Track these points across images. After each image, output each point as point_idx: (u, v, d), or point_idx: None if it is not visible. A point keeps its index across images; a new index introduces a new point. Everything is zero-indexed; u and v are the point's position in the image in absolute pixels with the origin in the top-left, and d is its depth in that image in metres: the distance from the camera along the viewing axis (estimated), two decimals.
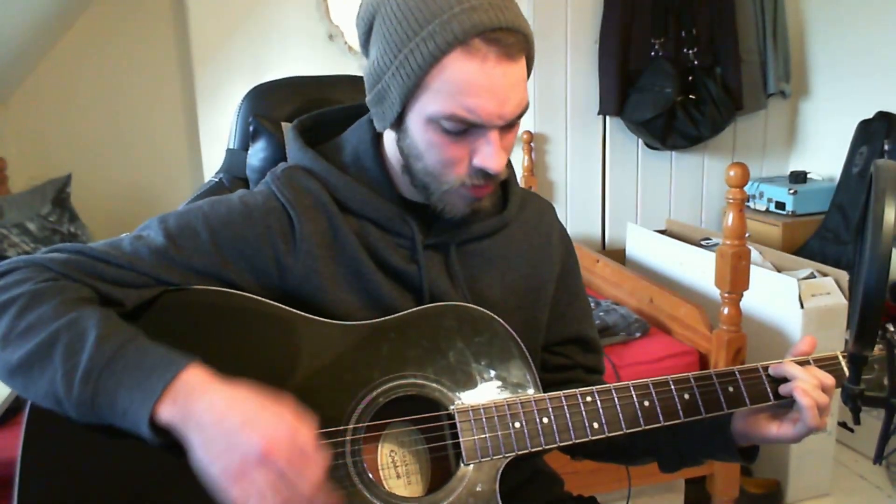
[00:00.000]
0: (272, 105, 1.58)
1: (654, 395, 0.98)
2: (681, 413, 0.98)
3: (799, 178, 3.30)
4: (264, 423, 0.77)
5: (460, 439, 0.91)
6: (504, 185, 1.11)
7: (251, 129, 1.63)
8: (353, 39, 3.06)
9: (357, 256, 0.98)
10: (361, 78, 1.37)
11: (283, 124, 1.60)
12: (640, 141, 3.45)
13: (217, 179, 1.71)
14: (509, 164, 1.12)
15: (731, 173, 1.93)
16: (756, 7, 3.29)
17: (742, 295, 2.01)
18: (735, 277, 1.98)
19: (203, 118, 2.99)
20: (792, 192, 3.20)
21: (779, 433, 0.99)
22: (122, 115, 3.05)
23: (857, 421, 1.00)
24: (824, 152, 3.43)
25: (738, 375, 1.01)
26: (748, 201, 3.24)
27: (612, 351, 2.15)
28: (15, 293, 0.84)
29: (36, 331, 0.81)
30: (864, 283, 0.83)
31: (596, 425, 0.95)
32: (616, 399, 0.96)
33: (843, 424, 2.49)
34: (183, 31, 2.99)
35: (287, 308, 0.94)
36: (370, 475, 0.88)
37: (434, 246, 1.02)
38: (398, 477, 0.94)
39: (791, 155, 3.65)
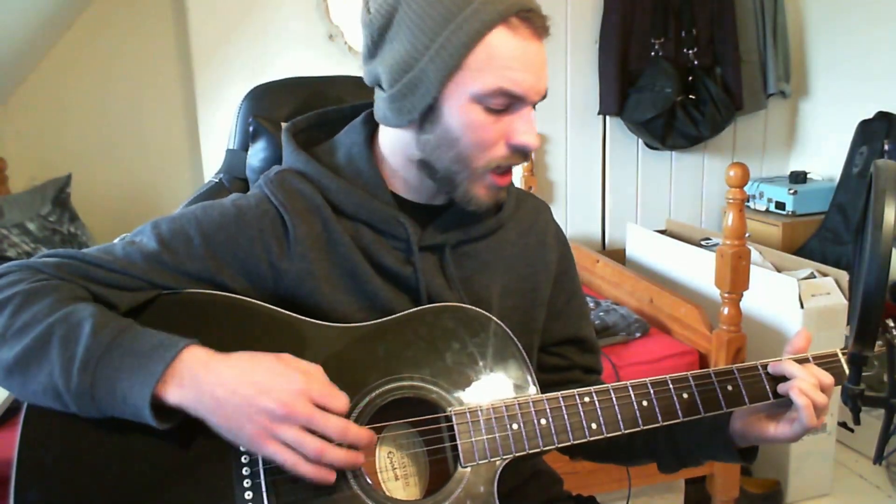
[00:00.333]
0: (272, 105, 1.58)
1: (652, 395, 0.97)
2: (679, 413, 0.98)
3: (799, 178, 3.30)
4: (278, 385, 0.81)
5: (458, 441, 0.91)
6: None
7: (251, 129, 1.63)
8: (353, 39, 3.06)
9: (352, 258, 0.97)
10: (362, 78, 1.37)
11: (283, 125, 1.60)
12: (640, 141, 3.45)
13: (217, 180, 1.71)
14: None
15: (731, 173, 1.93)
16: (756, 7, 3.29)
17: (742, 295, 2.01)
18: (735, 277, 1.98)
19: (203, 118, 2.99)
20: (792, 192, 3.20)
21: (776, 433, 0.99)
22: (122, 116, 3.04)
23: (857, 421, 1.00)
24: (824, 152, 3.43)
25: (736, 374, 1.01)
26: (748, 201, 3.24)
27: (611, 351, 2.15)
28: (9, 293, 0.84)
29: (31, 328, 0.81)
30: (864, 283, 0.83)
31: (594, 426, 0.95)
32: (614, 399, 0.96)
33: (843, 424, 2.49)
34: (183, 31, 2.99)
35: (282, 311, 0.94)
36: (367, 478, 0.88)
37: (429, 248, 1.02)
38: (396, 479, 0.94)
39: (791, 155, 3.66)
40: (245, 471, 0.85)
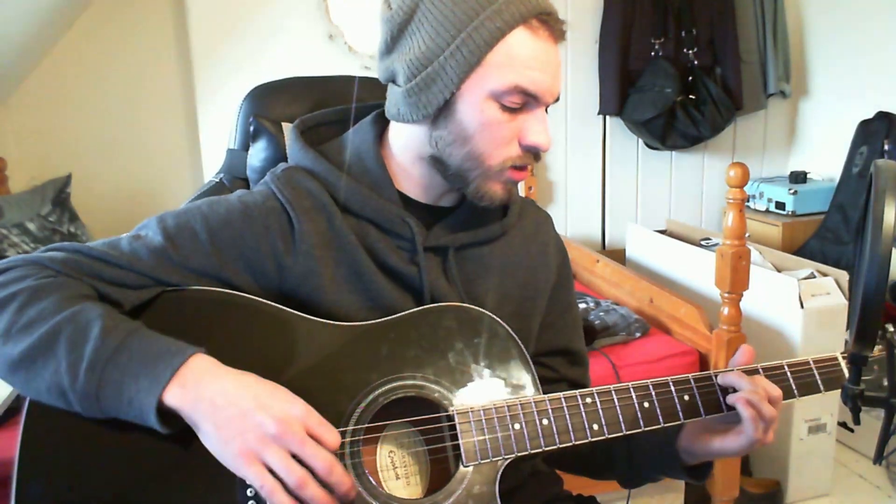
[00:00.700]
0: (273, 105, 1.58)
1: (653, 396, 0.97)
2: (681, 414, 0.98)
3: (799, 178, 3.30)
4: (277, 405, 0.80)
5: (460, 441, 0.91)
6: None
7: (251, 129, 1.63)
8: (353, 39, 3.06)
9: (357, 257, 0.97)
10: (362, 78, 1.38)
11: (284, 124, 1.60)
12: (640, 141, 3.45)
13: (217, 179, 1.71)
14: None
15: (731, 173, 1.93)
16: (756, 7, 3.29)
17: (742, 295, 2.01)
18: (735, 277, 1.98)
19: (203, 118, 2.99)
20: (792, 192, 3.20)
21: (721, 445, 0.98)
22: (122, 115, 3.04)
23: (856, 421, 1.00)
24: (824, 152, 3.43)
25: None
26: (748, 201, 3.24)
27: (612, 351, 2.15)
28: (15, 289, 0.84)
29: (38, 325, 0.81)
30: (864, 283, 0.83)
31: (596, 427, 0.95)
32: (616, 400, 0.96)
33: (843, 424, 2.49)
34: (183, 31, 2.99)
35: (286, 309, 0.94)
36: (370, 477, 0.88)
37: (433, 248, 1.02)
38: (397, 478, 0.94)
39: (791, 155, 3.66)
40: None
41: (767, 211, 3.31)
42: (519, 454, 0.92)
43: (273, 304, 0.94)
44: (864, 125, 3.05)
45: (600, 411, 0.95)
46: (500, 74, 0.90)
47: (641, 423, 0.96)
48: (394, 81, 0.98)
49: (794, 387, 1.02)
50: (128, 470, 0.83)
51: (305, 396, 0.89)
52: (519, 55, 0.90)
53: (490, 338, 0.99)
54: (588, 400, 0.95)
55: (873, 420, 2.26)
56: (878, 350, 1.00)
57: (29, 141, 2.96)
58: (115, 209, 3.01)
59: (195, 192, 1.71)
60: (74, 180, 2.80)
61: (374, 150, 1.02)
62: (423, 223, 1.02)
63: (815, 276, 2.40)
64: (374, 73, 1.07)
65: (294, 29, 3.01)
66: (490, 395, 0.96)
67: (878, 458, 1.01)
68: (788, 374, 1.02)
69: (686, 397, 0.98)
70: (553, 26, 0.92)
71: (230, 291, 0.94)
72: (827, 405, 2.32)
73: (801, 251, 3.06)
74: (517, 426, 0.93)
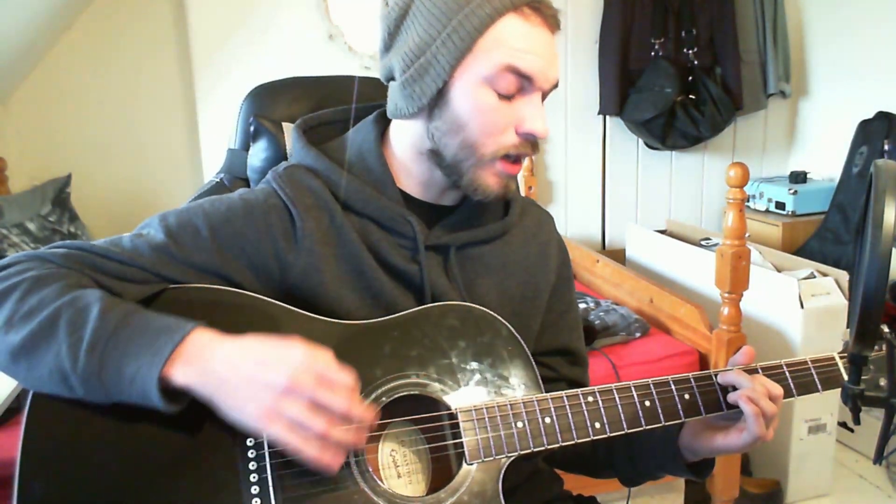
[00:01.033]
0: (273, 105, 1.58)
1: (654, 395, 0.98)
2: (681, 413, 0.98)
3: (799, 178, 3.31)
4: (281, 360, 0.80)
5: (463, 439, 0.91)
6: None
7: (252, 129, 1.63)
8: (353, 39, 3.06)
9: (358, 255, 0.98)
10: (362, 78, 1.38)
11: (284, 125, 1.60)
12: (640, 141, 3.45)
13: (217, 179, 1.71)
14: None
15: (731, 173, 1.93)
16: (756, 7, 3.30)
17: (742, 295, 2.01)
18: (735, 277, 1.98)
19: (203, 118, 2.99)
20: (792, 192, 3.20)
21: (725, 442, 0.99)
22: (122, 115, 3.04)
23: (856, 421, 1.00)
24: (824, 152, 3.43)
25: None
26: (748, 201, 3.25)
27: (611, 351, 2.15)
28: (17, 280, 0.85)
29: (38, 312, 0.81)
30: (864, 283, 0.83)
31: (598, 425, 0.95)
32: (617, 399, 0.97)
33: (843, 424, 2.49)
34: (183, 31, 2.99)
35: (288, 306, 0.95)
36: (372, 475, 0.88)
37: (434, 247, 1.02)
38: (399, 477, 0.94)
39: (791, 155, 3.66)
40: (252, 465, 0.85)
41: (767, 211, 3.31)
42: (522, 452, 0.92)
43: (275, 301, 0.94)
44: (864, 125, 3.06)
45: (602, 410, 0.96)
46: (491, 57, 0.91)
47: (643, 421, 0.97)
48: (393, 78, 0.99)
49: (792, 386, 1.02)
50: (130, 468, 0.83)
51: None
52: (510, 38, 0.91)
53: (492, 337, 0.99)
54: (590, 399, 0.96)
55: (873, 420, 2.26)
56: (875, 352, 1.00)
57: (29, 141, 2.96)
58: (115, 209, 3.01)
59: (195, 192, 1.71)
60: (74, 180, 2.80)
61: (376, 148, 1.02)
62: (424, 222, 1.02)
63: (815, 276, 2.40)
64: (374, 73, 1.07)
65: (294, 29, 3.01)
66: (492, 393, 0.96)
67: (878, 458, 1.01)
68: (787, 373, 1.03)
69: (687, 396, 0.99)
70: (545, 13, 0.93)
71: (232, 289, 0.94)
72: (827, 405, 2.32)
73: (801, 251, 3.06)
74: (520, 424, 0.93)
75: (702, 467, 1.07)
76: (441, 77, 0.92)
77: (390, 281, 1.00)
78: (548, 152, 3.41)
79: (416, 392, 0.93)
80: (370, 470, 0.88)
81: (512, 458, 0.93)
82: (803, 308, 2.25)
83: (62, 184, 2.74)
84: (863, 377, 0.98)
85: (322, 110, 1.13)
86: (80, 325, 0.80)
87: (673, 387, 0.99)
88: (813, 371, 1.04)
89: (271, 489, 0.85)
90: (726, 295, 2.01)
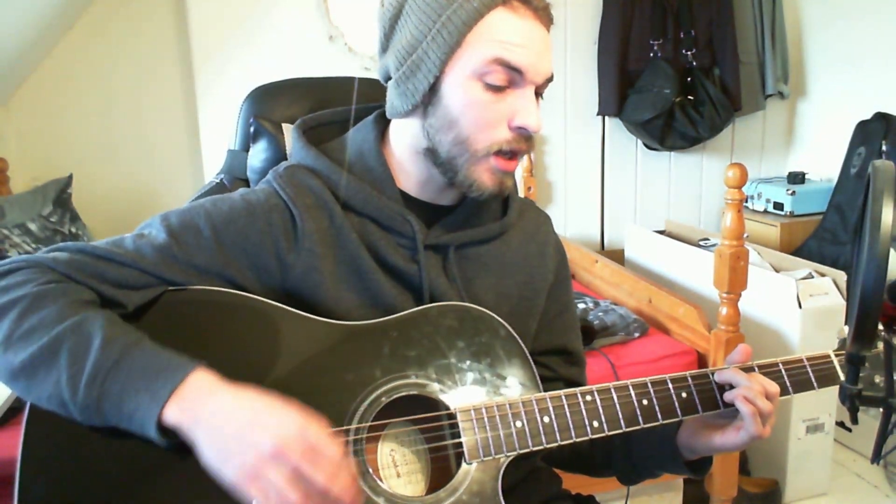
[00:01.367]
0: (273, 106, 1.59)
1: (652, 393, 0.98)
2: (679, 412, 0.99)
3: (797, 178, 3.31)
4: (274, 422, 0.78)
5: (462, 438, 0.92)
6: None
7: (252, 130, 1.63)
8: (353, 40, 3.06)
9: (357, 254, 0.98)
10: (362, 79, 1.38)
11: (284, 125, 1.60)
12: (639, 141, 3.46)
13: (218, 180, 1.72)
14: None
15: (730, 174, 1.93)
16: (754, 9, 3.30)
17: (740, 295, 2.01)
18: (733, 278, 1.98)
19: (203, 118, 3.00)
20: (790, 192, 3.20)
21: (723, 441, 0.99)
22: (123, 116, 3.05)
23: (854, 421, 1.00)
24: (822, 153, 3.43)
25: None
26: (746, 202, 3.24)
27: (610, 351, 2.15)
28: (17, 295, 0.84)
29: (39, 333, 0.81)
30: (862, 283, 0.83)
31: (596, 424, 0.96)
32: (615, 398, 0.97)
33: (840, 424, 2.50)
34: (183, 32, 2.99)
35: (288, 308, 0.95)
36: (372, 475, 0.89)
37: (433, 247, 1.03)
38: (398, 476, 0.95)
39: (789, 155, 3.66)
40: None
41: (766, 211, 3.31)
42: (521, 451, 0.93)
43: (275, 303, 0.95)
44: (862, 126, 3.06)
45: (600, 409, 0.96)
46: (480, 51, 0.91)
47: (640, 420, 0.97)
48: (390, 78, 0.99)
49: (788, 384, 1.03)
50: (131, 468, 0.84)
51: (309, 395, 0.90)
52: (499, 32, 0.91)
53: (491, 337, 0.99)
54: (588, 398, 0.96)
55: (871, 420, 2.26)
56: (872, 350, 1.01)
57: (30, 141, 2.96)
58: (116, 209, 3.01)
59: (195, 192, 1.72)
60: (75, 181, 2.80)
61: (376, 148, 1.02)
62: (423, 221, 1.02)
63: (813, 277, 2.41)
64: (374, 74, 1.08)
65: (294, 30, 3.01)
66: (491, 393, 0.96)
67: (876, 457, 1.01)
68: (783, 371, 1.03)
69: (684, 395, 0.99)
70: (536, 6, 0.92)
71: (232, 291, 0.95)
72: (825, 405, 2.33)
73: (799, 251, 3.07)
74: (518, 424, 0.93)
75: (700, 465, 1.08)
76: (432, 73, 0.93)
77: (389, 281, 1.00)
78: (547, 153, 3.41)
79: (416, 392, 0.94)
80: (370, 470, 0.89)
81: (511, 458, 0.93)
82: (801, 308, 2.26)
83: (63, 184, 2.74)
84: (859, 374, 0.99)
85: (322, 111, 1.14)
86: (82, 356, 0.79)
87: (670, 385, 0.99)
88: (809, 369, 1.04)
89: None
90: (725, 295, 2.01)
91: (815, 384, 1.04)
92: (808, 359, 1.05)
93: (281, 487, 0.76)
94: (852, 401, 0.97)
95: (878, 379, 1.00)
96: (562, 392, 0.96)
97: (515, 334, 1.01)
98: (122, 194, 3.07)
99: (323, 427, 0.81)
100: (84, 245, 0.92)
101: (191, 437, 0.79)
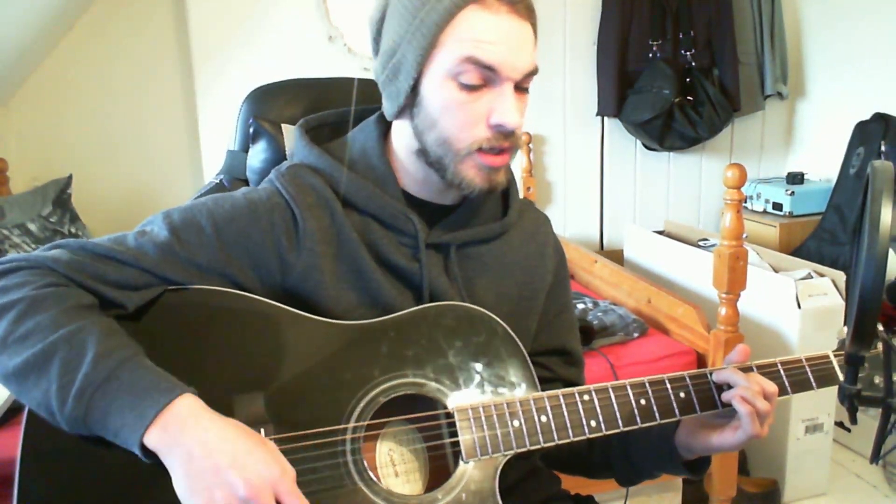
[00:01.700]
0: (272, 107, 1.59)
1: (650, 393, 0.98)
2: (677, 411, 0.99)
3: (796, 179, 3.31)
4: (252, 466, 0.78)
5: (459, 437, 0.92)
6: (504, 191, 1.12)
7: (251, 130, 1.63)
8: (353, 41, 3.06)
9: (358, 254, 0.98)
10: (362, 79, 1.39)
11: (284, 126, 1.60)
12: (638, 142, 3.46)
13: (217, 181, 1.72)
14: (509, 172, 1.13)
15: (729, 174, 1.93)
16: (754, 9, 3.31)
17: (739, 295, 2.02)
18: (732, 278, 1.98)
19: (203, 118, 3.00)
20: (789, 192, 3.21)
21: (720, 440, 0.99)
22: (123, 116, 3.05)
23: (853, 420, 1.01)
24: (821, 153, 3.44)
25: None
26: (745, 202, 3.25)
27: (610, 351, 2.15)
28: (14, 297, 0.83)
29: (33, 339, 0.81)
30: (861, 283, 0.83)
31: (593, 423, 0.96)
32: (613, 398, 0.97)
33: (840, 424, 2.50)
34: (183, 32, 2.99)
35: (287, 308, 0.95)
36: (370, 473, 0.89)
37: (435, 246, 1.03)
38: (396, 476, 0.95)
39: (788, 156, 3.67)
40: None
41: (765, 212, 3.32)
42: (518, 450, 0.93)
43: (274, 303, 0.95)
44: (861, 126, 3.07)
45: (598, 408, 0.96)
46: (452, 50, 0.90)
47: (638, 419, 0.97)
48: None
49: (787, 384, 1.03)
50: (130, 469, 0.83)
51: (307, 394, 0.90)
52: (471, 30, 0.90)
53: (489, 337, 0.99)
54: (586, 397, 0.96)
55: (870, 420, 2.26)
56: (871, 350, 1.01)
57: (30, 142, 2.96)
58: (115, 210, 3.01)
59: (195, 192, 1.72)
60: (75, 181, 2.80)
61: (379, 147, 1.02)
62: (425, 221, 1.02)
63: (812, 277, 2.41)
64: (373, 75, 1.08)
65: (294, 30, 3.01)
66: (489, 392, 0.96)
67: (875, 457, 1.02)
68: (782, 371, 1.03)
69: (682, 394, 0.99)
70: (512, 0, 0.91)
71: (231, 291, 0.95)
72: (824, 405, 2.33)
73: (799, 252, 3.07)
74: (516, 423, 0.94)
75: (698, 465, 1.08)
76: (411, 75, 0.93)
77: (389, 280, 1.00)
78: (546, 153, 3.42)
79: (414, 391, 0.94)
80: (367, 469, 0.89)
81: (508, 457, 0.93)
82: (800, 308, 2.26)
83: (63, 184, 2.74)
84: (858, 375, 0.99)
85: (324, 111, 1.14)
86: (73, 368, 0.79)
87: (668, 385, 1.00)
88: (808, 369, 1.04)
89: None
90: (724, 295, 2.01)
91: (814, 384, 1.04)
92: (807, 359, 1.05)
93: None
94: (851, 401, 0.98)
95: (877, 379, 1.00)
96: (559, 391, 0.96)
97: (513, 334, 1.01)
98: (121, 195, 3.08)
99: (293, 477, 0.81)
100: (85, 242, 0.91)
101: (167, 461, 0.79)
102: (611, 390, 0.97)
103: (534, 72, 0.94)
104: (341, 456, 0.89)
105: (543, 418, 0.94)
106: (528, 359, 1.01)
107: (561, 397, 0.96)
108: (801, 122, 3.58)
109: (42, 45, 2.84)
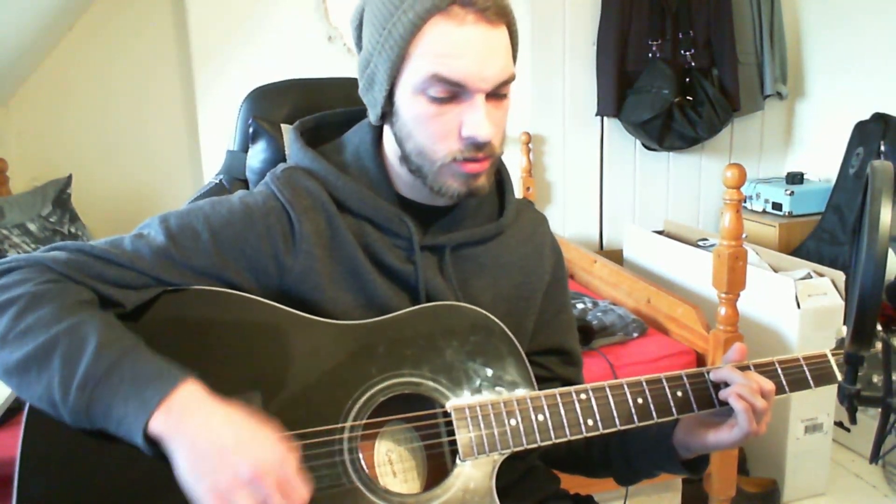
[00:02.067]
0: (272, 107, 1.60)
1: (647, 392, 0.98)
2: (674, 410, 0.99)
3: (795, 178, 3.32)
4: (257, 447, 0.79)
5: (457, 436, 0.92)
6: (501, 192, 1.12)
7: (251, 130, 1.64)
8: (352, 41, 3.06)
9: (354, 256, 0.98)
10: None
11: (283, 126, 1.61)
12: (638, 142, 3.46)
13: (217, 181, 1.72)
14: (505, 172, 1.13)
15: (728, 174, 1.93)
16: (753, 9, 3.31)
17: (739, 295, 2.02)
18: (732, 278, 1.98)
19: (203, 118, 3.00)
20: (788, 192, 3.21)
21: (716, 438, 0.99)
22: (123, 116, 3.05)
23: (853, 420, 1.01)
24: (821, 153, 3.44)
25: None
26: (745, 202, 3.24)
27: (609, 351, 2.15)
28: (14, 293, 0.84)
29: (35, 333, 0.81)
30: (861, 283, 0.83)
31: (590, 422, 0.96)
32: (610, 396, 0.97)
33: (839, 424, 2.50)
34: (183, 32, 3.00)
35: (284, 308, 0.95)
36: (367, 472, 0.89)
37: (430, 248, 1.03)
38: (394, 475, 0.95)
39: (788, 156, 3.67)
40: None
41: (764, 212, 3.32)
42: (515, 449, 0.93)
43: (271, 303, 0.95)
44: (861, 126, 3.07)
45: (595, 407, 0.96)
46: (419, 66, 0.89)
47: (635, 418, 0.97)
48: None
49: (784, 383, 1.03)
50: (129, 469, 0.84)
51: (304, 394, 0.90)
52: (435, 44, 0.88)
53: (486, 336, 1.00)
54: (583, 396, 0.96)
55: (869, 419, 2.26)
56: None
57: (30, 142, 2.96)
58: (115, 210, 3.02)
59: (195, 192, 1.72)
60: (75, 181, 2.80)
61: (373, 150, 1.03)
62: (420, 223, 1.03)
63: (811, 277, 2.41)
64: None
65: (293, 30, 3.01)
66: (486, 391, 0.97)
67: (875, 457, 1.02)
68: (779, 370, 1.03)
69: (679, 393, 1.00)
70: (480, 6, 0.88)
71: (230, 291, 0.95)
72: (823, 405, 2.33)
73: (798, 252, 3.07)
74: (513, 422, 0.94)
75: (697, 464, 1.08)
76: (383, 86, 0.93)
77: (385, 282, 1.00)
78: (545, 153, 3.42)
79: (411, 391, 0.94)
80: (364, 468, 0.89)
81: (505, 455, 0.93)
82: (800, 308, 2.26)
83: (63, 184, 2.75)
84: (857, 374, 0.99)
85: (320, 112, 1.14)
86: (75, 360, 0.80)
87: (665, 384, 0.99)
88: (805, 368, 1.04)
89: None
90: (723, 295, 2.01)
91: (811, 383, 1.04)
92: (805, 358, 1.05)
93: None
94: (851, 401, 0.98)
95: (876, 379, 1.00)
96: (556, 390, 0.96)
97: (510, 333, 1.01)
98: (121, 194, 3.08)
99: (298, 463, 0.81)
100: (83, 245, 0.92)
101: (170, 447, 0.79)
102: (608, 389, 0.97)
103: (508, 80, 0.92)
104: (338, 455, 0.89)
105: (540, 417, 0.94)
106: (525, 358, 1.01)
107: (558, 396, 0.96)
108: (800, 122, 3.59)
109: (42, 45, 2.84)
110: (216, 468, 0.77)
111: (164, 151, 3.13)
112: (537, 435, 0.94)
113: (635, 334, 2.25)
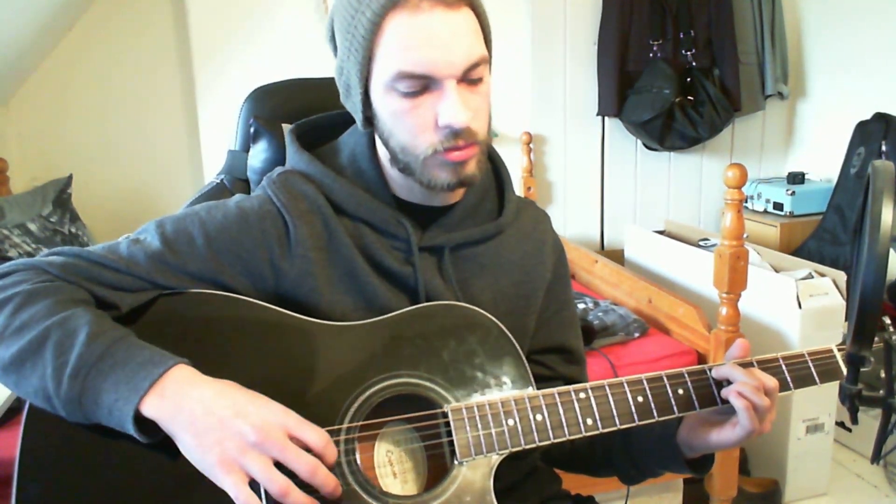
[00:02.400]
0: (273, 107, 1.59)
1: (647, 390, 0.98)
2: (675, 408, 0.98)
3: (797, 178, 3.31)
4: (256, 412, 0.79)
5: (454, 437, 0.91)
6: (500, 191, 1.12)
7: (252, 130, 1.64)
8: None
9: (352, 259, 0.98)
10: None
11: (284, 126, 1.60)
12: (639, 142, 3.46)
13: (218, 180, 1.72)
14: (505, 171, 1.12)
15: (730, 174, 1.93)
16: (754, 9, 3.30)
17: (740, 295, 2.01)
18: (733, 278, 1.98)
19: (203, 118, 3.00)
20: (790, 192, 3.21)
21: (718, 437, 0.99)
22: (123, 116, 3.05)
23: (854, 421, 1.00)
24: (822, 153, 3.44)
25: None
26: (746, 202, 3.25)
27: (610, 351, 2.15)
28: (11, 293, 0.85)
29: (29, 328, 0.82)
30: (862, 283, 0.83)
31: (590, 421, 0.95)
32: (609, 395, 0.96)
33: (841, 424, 2.50)
34: (183, 32, 3.00)
35: (280, 310, 0.95)
36: (364, 474, 0.89)
37: (428, 249, 1.03)
38: (394, 476, 0.95)
39: (789, 156, 3.67)
40: None
41: (765, 212, 3.32)
42: (513, 449, 0.92)
43: (268, 305, 0.95)
44: (862, 126, 3.06)
45: (594, 406, 0.95)
46: (385, 64, 0.88)
47: (636, 417, 0.96)
48: None
49: (789, 379, 1.01)
50: (128, 469, 0.84)
51: (300, 395, 0.90)
52: (396, 39, 0.87)
53: (483, 335, 0.99)
54: (582, 395, 0.96)
55: (871, 420, 2.26)
56: (874, 345, 1.01)
57: (30, 142, 2.97)
58: (115, 210, 3.02)
59: (196, 192, 1.72)
60: (75, 181, 2.81)
61: (369, 152, 1.02)
62: (419, 224, 1.02)
63: (812, 277, 2.41)
64: None
65: (294, 30, 3.01)
66: (484, 391, 0.96)
67: (876, 457, 1.01)
68: (783, 366, 1.02)
69: (680, 391, 0.99)
70: None
71: (225, 293, 0.95)
72: (825, 405, 2.33)
73: (799, 251, 3.07)
74: (511, 422, 0.93)
75: (701, 464, 1.07)
76: (358, 91, 0.93)
77: (384, 284, 1.00)
78: (546, 153, 3.41)
79: (408, 391, 0.94)
80: (361, 469, 0.89)
81: (504, 456, 0.93)
82: (801, 308, 2.26)
83: (63, 184, 2.75)
84: (861, 372, 0.99)
85: (317, 115, 1.14)
86: (67, 349, 0.80)
87: (666, 382, 0.98)
88: (810, 363, 1.03)
89: (262, 487, 0.85)
90: (724, 295, 2.01)
91: (816, 379, 1.02)
92: (810, 353, 1.03)
93: (262, 478, 0.77)
94: (852, 401, 0.97)
95: (881, 376, 1.00)
96: (555, 390, 0.95)
97: (508, 332, 1.00)
98: (121, 194, 3.08)
99: (303, 419, 0.81)
100: (80, 250, 0.93)
101: (170, 428, 0.79)
102: (607, 388, 0.97)
103: (479, 62, 0.90)
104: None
105: (539, 417, 0.94)
106: (523, 357, 1.00)
107: (556, 396, 0.95)
108: (801, 122, 3.58)
109: (42, 45, 2.85)
110: (221, 438, 0.77)
111: (165, 151, 3.13)
112: (536, 435, 0.93)
113: (636, 334, 2.25)
